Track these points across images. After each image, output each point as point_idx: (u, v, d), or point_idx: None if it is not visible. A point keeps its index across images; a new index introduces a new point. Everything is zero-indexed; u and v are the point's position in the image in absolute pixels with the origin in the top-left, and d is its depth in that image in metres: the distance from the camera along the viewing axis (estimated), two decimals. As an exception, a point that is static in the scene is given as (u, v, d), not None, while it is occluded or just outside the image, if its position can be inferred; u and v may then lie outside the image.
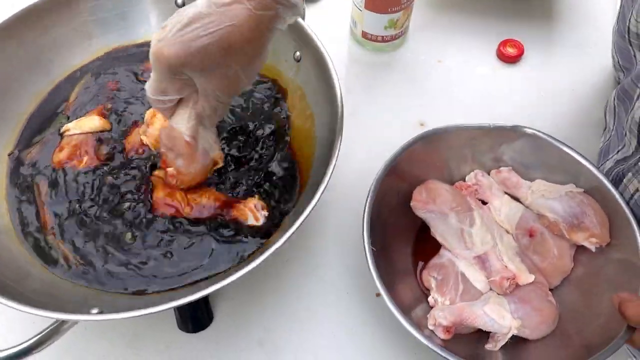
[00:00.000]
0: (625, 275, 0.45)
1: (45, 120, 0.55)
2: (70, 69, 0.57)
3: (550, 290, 0.48)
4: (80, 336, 0.49)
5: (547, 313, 0.46)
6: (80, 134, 0.53)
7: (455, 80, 0.66)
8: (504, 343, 0.45)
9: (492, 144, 0.53)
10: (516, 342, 0.46)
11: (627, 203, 0.47)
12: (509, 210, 0.52)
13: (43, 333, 0.38)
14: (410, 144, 0.50)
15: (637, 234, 0.45)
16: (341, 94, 0.48)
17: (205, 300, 0.49)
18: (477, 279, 0.48)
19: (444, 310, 0.46)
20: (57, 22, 0.56)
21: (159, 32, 0.38)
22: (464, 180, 0.54)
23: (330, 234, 0.55)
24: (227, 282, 0.39)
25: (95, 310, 0.40)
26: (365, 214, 0.47)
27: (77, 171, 0.51)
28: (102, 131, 0.53)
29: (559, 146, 0.50)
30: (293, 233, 0.41)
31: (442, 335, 0.45)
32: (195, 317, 0.48)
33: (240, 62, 0.39)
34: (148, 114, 0.53)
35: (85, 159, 0.51)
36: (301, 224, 0.41)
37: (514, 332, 0.45)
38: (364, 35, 0.67)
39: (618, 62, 0.62)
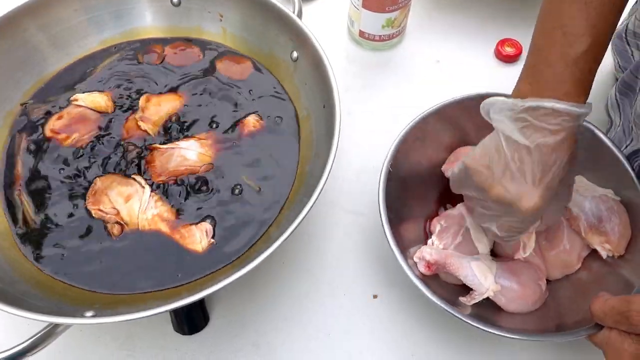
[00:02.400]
0: (622, 292, 0.44)
1: (68, 82, 0.56)
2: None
3: (549, 281, 0.48)
4: (75, 338, 0.48)
5: (529, 292, 0.46)
6: (85, 107, 0.54)
7: (452, 80, 0.66)
8: (477, 301, 0.46)
9: None
10: (494, 308, 0.46)
11: None
12: None
13: (36, 336, 0.38)
14: (447, 105, 0.51)
15: None
16: (338, 93, 0.48)
17: (200, 302, 0.49)
18: (480, 239, 0.48)
19: (432, 249, 0.47)
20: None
21: (491, 177, 0.40)
22: None
23: (326, 236, 0.54)
24: (222, 285, 0.39)
25: (89, 314, 0.39)
26: (393, 147, 0.48)
27: (60, 146, 0.52)
28: (103, 112, 0.54)
29: (615, 152, 0.50)
30: (289, 235, 0.41)
31: (422, 268, 0.47)
32: (191, 319, 0.48)
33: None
34: (142, 100, 0.54)
35: (75, 135, 0.52)
36: (297, 225, 0.41)
37: (490, 294, 0.45)
38: (362, 34, 0.66)
39: (618, 63, 0.61)
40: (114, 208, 0.48)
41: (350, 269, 0.52)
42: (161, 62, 0.58)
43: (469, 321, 0.42)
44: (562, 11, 0.37)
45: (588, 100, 0.40)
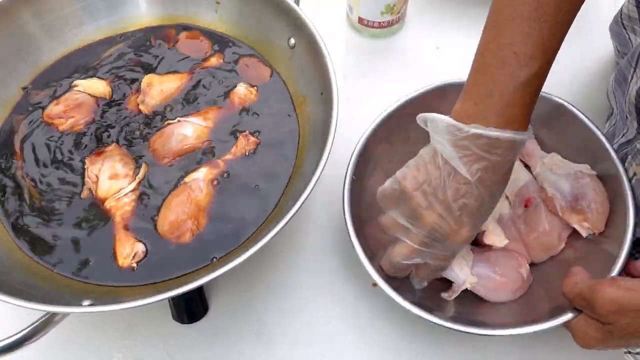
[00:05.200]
0: (606, 267, 0.43)
1: (68, 70, 0.56)
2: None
3: (535, 264, 0.48)
4: (75, 328, 0.48)
5: (508, 282, 0.46)
6: (85, 93, 0.54)
7: (453, 67, 0.65)
8: (457, 295, 0.45)
9: None
10: (478, 300, 0.46)
11: (634, 198, 0.45)
12: (515, 176, 0.50)
13: (34, 325, 0.38)
14: (428, 91, 0.51)
15: (629, 230, 0.44)
16: (336, 80, 0.47)
17: (199, 291, 0.49)
18: None
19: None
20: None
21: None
22: None
23: (324, 224, 0.54)
24: (219, 273, 0.39)
25: (86, 302, 0.39)
26: (359, 144, 0.48)
27: (56, 131, 0.52)
28: (102, 98, 0.54)
29: (589, 125, 0.48)
30: (288, 222, 0.40)
31: None
32: (190, 308, 0.48)
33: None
34: (144, 82, 0.54)
35: (71, 120, 0.53)
36: (295, 212, 0.41)
37: (467, 286, 0.45)
38: (360, 21, 0.65)
39: (617, 48, 0.61)
40: (97, 176, 0.49)
41: (350, 257, 0.52)
42: (174, 45, 0.58)
43: (448, 325, 0.41)
44: (513, 28, 0.35)
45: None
